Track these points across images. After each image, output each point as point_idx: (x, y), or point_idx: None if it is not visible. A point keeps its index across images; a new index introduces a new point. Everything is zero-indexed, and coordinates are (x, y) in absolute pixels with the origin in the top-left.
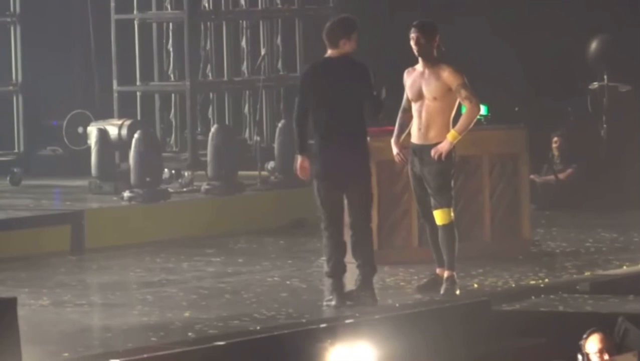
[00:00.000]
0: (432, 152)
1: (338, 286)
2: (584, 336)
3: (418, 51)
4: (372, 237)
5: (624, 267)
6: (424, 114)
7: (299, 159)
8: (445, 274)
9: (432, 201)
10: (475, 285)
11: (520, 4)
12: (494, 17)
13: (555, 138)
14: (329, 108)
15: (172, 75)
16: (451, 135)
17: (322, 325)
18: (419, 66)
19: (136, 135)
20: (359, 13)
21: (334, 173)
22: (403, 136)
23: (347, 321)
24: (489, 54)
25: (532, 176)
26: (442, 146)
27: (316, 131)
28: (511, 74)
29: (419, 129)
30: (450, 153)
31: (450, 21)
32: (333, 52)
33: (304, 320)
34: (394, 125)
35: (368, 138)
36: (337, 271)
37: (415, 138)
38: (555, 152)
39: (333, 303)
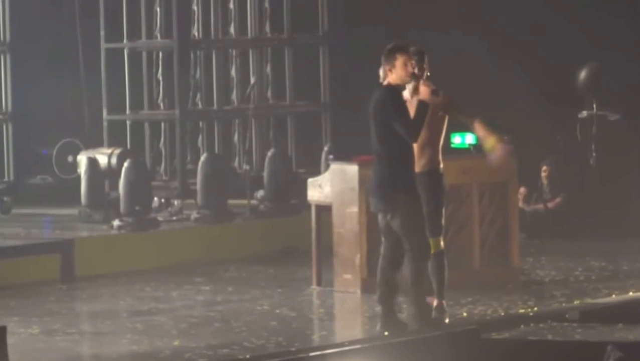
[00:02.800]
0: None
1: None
2: None
3: (422, 77)
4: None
5: (613, 296)
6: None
7: None
8: (435, 302)
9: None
10: (465, 314)
11: (508, 32)
12: (481, 46)
13: (544, 167)
14: (371, 133)
15: (161, 104)
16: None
17: (312, 354)
18: (406, 94)
19: (126, 164)
20: (350, 41)
21: (370, 197)
22: None
23: (337, 349)
24: (478, 83)
25: (520, 204)
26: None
27: None
28: (500, 102)
29: None
30: (441, 181)
31: (439, 49)
32: (385, 80)
33: (293, 349)
34: None
35: (399, 166)
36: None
37: None
38: (544, 181)
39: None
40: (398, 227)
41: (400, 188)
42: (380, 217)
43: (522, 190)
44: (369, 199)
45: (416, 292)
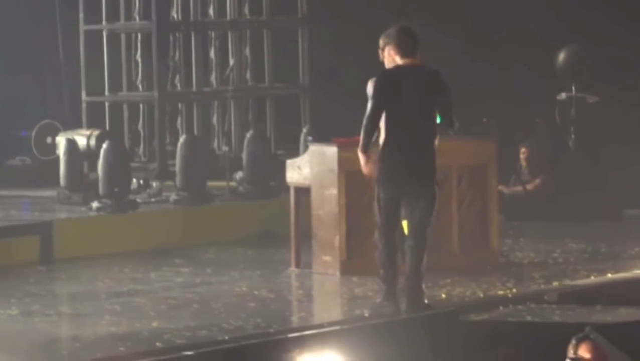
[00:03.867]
0: None
1: (388, 293)
2: (574, 341)
3: None
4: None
5: (592, 277)
6: None
7: (364, 158)
8: None
9: (402, 211)
10: (443, 296)
11: (488, 15)
12: (462, 29)
13: (522, 149)
14: (402, 116)
15: (140, 86)
16: None
17: (290, 335)
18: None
19: (105, 146)
20: (329, 24)
21: (396, 179)
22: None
23: (315, 331)
24: (457, 66)
25: (499, 187)
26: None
27: (386, 136)
28: (479, 85)
29: None
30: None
31: (421, 34)
32: (407, 61)
33: (272, 330)
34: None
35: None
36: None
37: None
38: (523, 163)
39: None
40: (426, 209)
41: (433, 177)
42: (396, 201)
43: None
44: (406, 181)
45: (420, 277)
